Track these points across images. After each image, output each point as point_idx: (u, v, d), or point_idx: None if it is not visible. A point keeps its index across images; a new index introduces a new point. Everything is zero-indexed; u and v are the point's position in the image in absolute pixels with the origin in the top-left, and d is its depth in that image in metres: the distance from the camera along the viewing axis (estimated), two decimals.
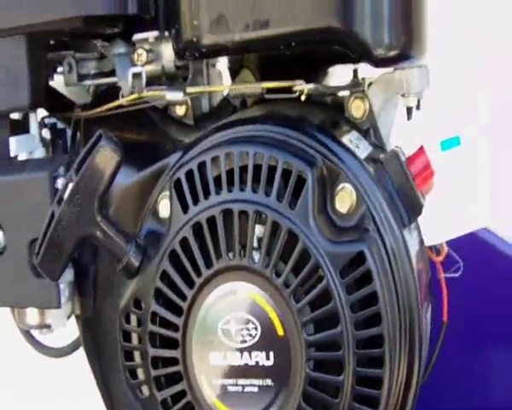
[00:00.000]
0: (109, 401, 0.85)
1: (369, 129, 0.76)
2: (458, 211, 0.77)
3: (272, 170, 0.69)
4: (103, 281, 0.82)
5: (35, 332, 0.90)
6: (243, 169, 0.71)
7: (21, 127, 0.85)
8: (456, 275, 0.78)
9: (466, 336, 0.91)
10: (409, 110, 0.78)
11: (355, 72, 0.76)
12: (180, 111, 0.82)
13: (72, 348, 0.89)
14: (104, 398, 0.85)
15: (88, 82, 0.84)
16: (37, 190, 0.78)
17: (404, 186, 0.72)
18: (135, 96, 0.78)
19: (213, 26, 0.72)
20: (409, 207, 0.72)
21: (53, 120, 0.88)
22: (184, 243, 0.71)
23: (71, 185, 0.71)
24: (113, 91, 0.83)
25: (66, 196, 0.71)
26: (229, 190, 0.70)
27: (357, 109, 0.76)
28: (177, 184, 0.73)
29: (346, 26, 0.69)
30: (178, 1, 0.74)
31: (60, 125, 0.89)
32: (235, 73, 0.84)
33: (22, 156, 0.85)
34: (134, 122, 0.81)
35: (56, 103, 0.86)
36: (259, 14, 0.70)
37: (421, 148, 0.74)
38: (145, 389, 0.76)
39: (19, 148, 0.82)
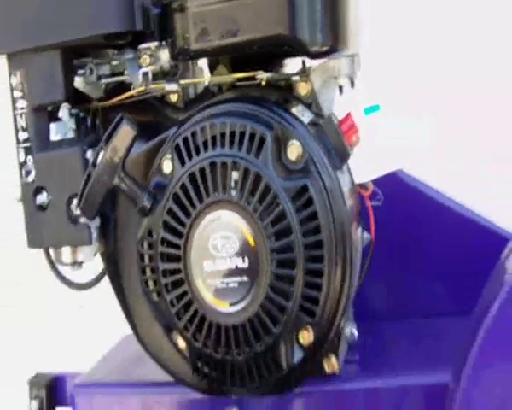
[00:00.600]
0: (129, 315, 1.11)
1: (311, 103, 1.03)
2: (377, 158, 1.06)
3: (243, 134, 0.98)
4: (122, 226, 1.09)
5: (65, 271, 1.15)
6: (222, 135, 0.99)
7: (53, 116, 1.11)
8: (379, 204, 1.08)
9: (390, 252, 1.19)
10: (340, 88, 1.09)
11: (303, 62, 1.05)
12: (173, 98, 1.08)
13: (94, 283, 1.15)
14: (125, 313, 1.12)
15: (104, 81, 1.10)
16: (72, 160, 1.06)
17: (336, 140, 0.99)
18: (143, 88, 1.04)
19: (198, 37, 0.99)
20: (340, 155, 0.99)
21: (75, 110, 1.12)
22: (183, 187, 0.99)
23: (102, 152, 1.01)
24: (120, 86, 1.09)
25: (99, 160, 1.01)
26: (213, 149, 0.99)
27: (302, 89, 1.03)
28: (177, 147, 1.01)
29: (290, 32, 0.96)
30: (173, 21, 1.01)
31: (81, 114, 1.14)
32: (212, 67, 1.10)
33: (55, 138, 1.11)
34: (140, 108, 1.08)
35: (78, 98, 1.11)
36: (231, 26, 0.97)
37: (349, 113, 1.02)
38: (155, 296, 1.04)
39: (57, 132, 1.10)
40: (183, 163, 1.01)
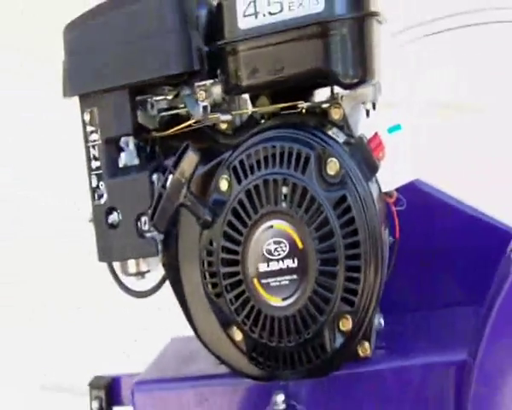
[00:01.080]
0: (189, 316, 1.28)
1: (343, 125, 1.21)
2: (399, 169, 1.22)
3: (290, 154, 1.16)
4: (183, 238, 1.26)
5: (127, 281, 1.32)
6: (273, 156, 1.17)
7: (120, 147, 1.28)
8: (402, 208, 1.26)
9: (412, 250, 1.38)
10: (367, 112, 1.28)
11: (332, 90, 1.24)
12: (223, 126, 1.26)
13: (154, 290, 1.32)
14: (186, 315, 1.29)
15: (162, 113, 1.28)
16: (140, 183, 1.24)
17: (366, 156, 1.18)
18: (200, 119, 1.22)
19: (249, 75, 1.18)
20: (370, 169, 1.18)
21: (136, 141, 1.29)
22: (240, 202, 1.17)
23: (171, 176, 1.19)
24: (174, 118, 1.27)
25: (168, 182, 1.18)
26: (266, 168, 1.17)
27: (336, 114, 1.21)
28: (234, 168, 1.19)
29: (326, 67, 1.16)
30: (226, 62, 1.19)
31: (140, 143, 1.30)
32: (254, 98, 1.28)
33: (123, 165, 1.28)
34: (194, 136, 1.25)
35: (138, 130, 1.28)
36: (277, 65, 1.16)
37: (376, 133, 1.20)
38: (215, 297, 1.22)
39: (125, 160, 1.27)
40: (239, 181, 1.19)
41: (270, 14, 1.17)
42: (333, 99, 1.24)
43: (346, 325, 1.18)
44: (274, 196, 1.16)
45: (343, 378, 1.23)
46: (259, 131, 1.23)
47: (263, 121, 1.27)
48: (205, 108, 1.22)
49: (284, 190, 1.16)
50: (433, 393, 1.20)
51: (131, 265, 1.28)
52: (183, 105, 1.28)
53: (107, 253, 1.27)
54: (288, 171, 1.17)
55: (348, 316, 1.17)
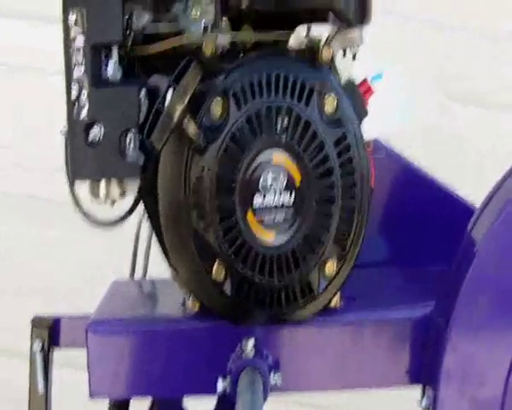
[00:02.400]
0: (164, 248, 1.17)
1: (331, 67, 1.18)
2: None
3: (294, 85, 1.11)
4: (165, 163, 1.14)
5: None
6: (277, 84, 1.11)
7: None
8: (382, 156, 1.26)
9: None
10: (354, 56, 1.25)
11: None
12: (208, 50, 1.13)
13: (120, 220, 1.17)
14: (161, 246, 1.18)
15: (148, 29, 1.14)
16: (129, 97, 1.11)
17: (357, 100, 1.16)
18: (199, 38, 1.12)
19: None
20: (360, 112, 1.16)
21: None
22: (239, 128, 1.09)
23: (171, 89, 1.09)
24: (154, 35, 1.15)
25: (167, 98, 1.08)
26: (268, 96, 1.11)
27: (325, 54, 1.16)
28: (234, 93, 1.11)
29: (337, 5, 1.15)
30: None
31: None
32: (235, 26, 1.19)
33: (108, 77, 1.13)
34: (177, 57, 1.13)
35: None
36: None
37: (365, 79, 1.19)
38: (202, 229, 1.11)
39: (111, 71, 1.12)
40: (239, 107, 1.11)
41: None
42: (327, 38, 1.19)
43: (331, 269, 1.14)
44: (275, 125, 1.10)
45: (311, 326, 1.19)
46: (257, 57, 1.16)
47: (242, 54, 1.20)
48: (206, 27, 1.13)
49: (287, 120, 1.11)
50: (396, 347, 1.21)
51: (103, 187, 1.14)
52: (167, 22, 1.17)
53: (82, 171, 1.13)
54: (291, 101, 1.11)
55: (334, 261, 1.14)
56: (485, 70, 2.24)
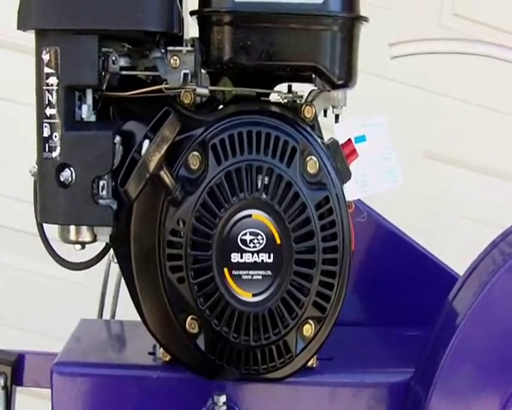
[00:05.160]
0: (136, 297, 1.15)
1: (314, 126, 1.17)
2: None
3: (276, 143, 1.09)
4: (139, 213, 1.13)
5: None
6: (258, 142, 1.09)
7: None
8: (363, 220, 1.24)
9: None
10: (336, 117, 1.24)
11: (310, 90, 1.20)
12: (186, 100, 1.14)
13: (90, 264, 1.17)
14: (132, 295, 1.15)
15: (124, 72, 1.13)
16: (103, 143, 1.09)
17: (340, 161, 1.15)
18: (171, 86, 1.11)
19: (237, 52, 1.10)
20: (343, 174, 1.14)
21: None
22: (218, 184, 1.07)
23: (147, 141, 1.07)
24: (132, 80, 1.15)
25: (144, 147, 1.06)
26: (250, 153, 1.09)
27: (308, 112, 1.16)
28: (213, 147, 1.09)
29: (319, 61, 1.12)
30: (210, 32, 1.10)
31: None
32: (215, 78, 1.19)
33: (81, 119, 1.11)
34: (154, 103, 1.12)
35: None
36: (270, 49, 1.10)
37: (349, 139, 1.18)
38: (176, 282, 1.09)
39: (86, 114, 1.11)
40: (218, 162, 1.09)
41: None
42: (308, 97, 1.20)
43: (309, 331, 1.13)
44: (256, 183, 1.09)
45: (286, 385, 1.17)
46: (238, 112, 1.15)
47: (221, 107, 1.19)
48: (186, 75, 1.12)
49: (267, 179, 1.09)
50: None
51: (73, 232, 1.13)
52: (144, 68, 1.16)
53: (51, 213, 1.11)
54: (272, 160, 1.10)
55: (312, 322, 1.12)
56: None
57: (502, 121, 2.27)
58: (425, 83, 2.25)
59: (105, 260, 1.22)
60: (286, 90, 1.21)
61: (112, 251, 1.19)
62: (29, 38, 1.13)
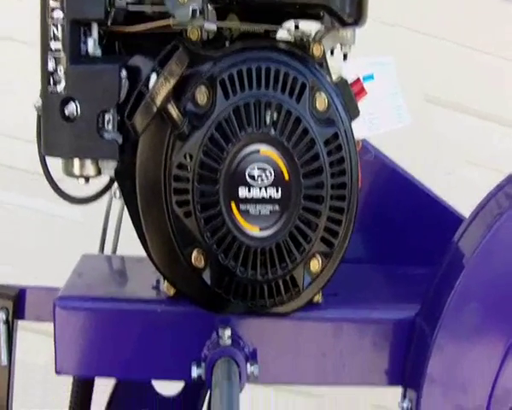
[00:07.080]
0: (141, 230, 1.14)
1: (322, 64, 1.16)
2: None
3: (286, 79, 1.08)
4: (145, 146, 1.12)
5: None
6: (267, 77, 1.08)
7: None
8: (371, 158, 1.24)
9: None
10: (345, 55, 1.23)
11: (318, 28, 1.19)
12: (193, 36, 1.13)
13: (94, 198, 1.19)
14: (137, 230, 1.15)
15: (131, 7, 1.11)
16: (109, 77, 1.09)
17: (349, 99, 1.14)
18: (186, 21, 1.09)
19: None
20: (351, 112, 1.14)
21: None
22: (227, 118, 1.07)
23: (154, 74, 1.06)
24: (137, 15, 1.13)
25: (151, 81, 1.06)
26: (258, 88, 1.09)
27: (316, 50, 1.15)
28: (222, 82, 1.08)
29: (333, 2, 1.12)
30: None
31: None
32: (221, 14, 1.17)
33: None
34: (161, 39, 1.12)
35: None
36: None
37: (358, 78, 1.17)
38: (182, 216, 1.09)
39: (92, 48, 1.10)
40: (227, 97, 1.08)
41: None
42: (317, 34, 1.19)
43: (316, 266, 1.13)
44: (264, 119, 1.08)
45: (291, 320, 1.18)
46: (246, 48, 1.13)
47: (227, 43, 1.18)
48: (194, 11, 1.10)
49: (276, 115, 1.08)
50: (377, 347, 1.20)
51: (77, 165, 1.12)
52: (151, 2, 1.14)
53: (55, 147, 1.10)
54: (282, 96, 1.09)
55: (320, 257, 1.13)
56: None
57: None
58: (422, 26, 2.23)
59: (103, 199, 1.23)
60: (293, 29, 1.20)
61: (113, 187, 1.20)
62: None
